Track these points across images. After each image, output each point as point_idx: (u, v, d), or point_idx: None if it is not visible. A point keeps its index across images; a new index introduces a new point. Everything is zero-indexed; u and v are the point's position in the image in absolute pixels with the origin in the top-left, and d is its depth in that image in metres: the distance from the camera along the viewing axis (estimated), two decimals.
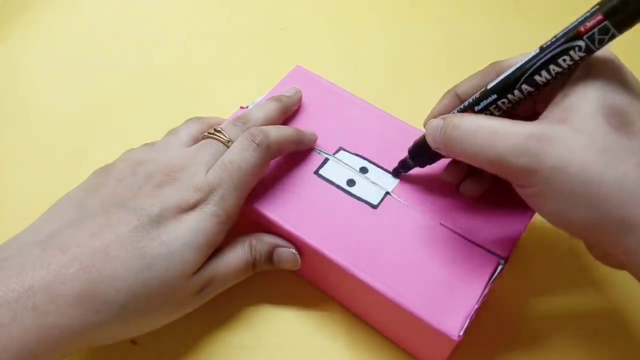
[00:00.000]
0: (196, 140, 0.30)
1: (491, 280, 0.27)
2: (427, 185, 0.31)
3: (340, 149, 0.33)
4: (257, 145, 0.28)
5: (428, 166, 0.30)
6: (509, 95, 0.25)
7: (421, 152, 0.29)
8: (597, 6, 0.22)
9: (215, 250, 0.28)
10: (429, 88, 0.43)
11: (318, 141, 0.33)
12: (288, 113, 0.34)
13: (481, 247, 0.28)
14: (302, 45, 0.47)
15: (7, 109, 0.42)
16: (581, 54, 0.23)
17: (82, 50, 0.46)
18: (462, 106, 0.27)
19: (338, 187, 0.31)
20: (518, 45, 0.46)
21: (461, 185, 0.30)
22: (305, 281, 0.33)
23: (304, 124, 0.34)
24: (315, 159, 0.32)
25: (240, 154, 0.28)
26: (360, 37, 0.48)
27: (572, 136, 0.21)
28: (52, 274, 0.23)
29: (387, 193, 0.30)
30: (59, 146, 0.40)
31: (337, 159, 0.32)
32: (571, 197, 0.21)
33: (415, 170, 0.31)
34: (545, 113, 0.24)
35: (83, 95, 0.43)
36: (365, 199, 0.30)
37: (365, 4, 0.50)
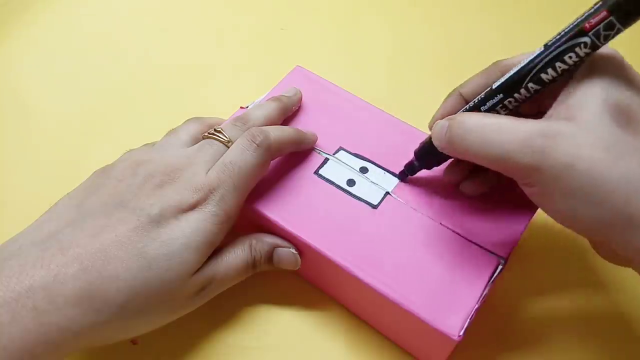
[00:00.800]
0: (196, 141, 0.30)
1: (491, 280, 0.27)
2: (427, 185, 0.31)
3: (340, 148, 0.33)
4: (258, 146, 0.28)
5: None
6: (516, 94, 0.25)
7: (427, 153, 0.29)
8: (601, 2, 0.22)
9: (215, 250, 0.28)
10: (429, 88, 0.43)
11: (318, 141, 0.33)
12: (288, 113, 0.34)
13: (481, 247, 0.28)
14: (302, 45, 0.47)
15: (7, 109, 0.42)
16: (587, 50, 0.23)
17: (82, 50, 0.46)
18: (467, 106, 0.27)
19: (338, 187, 0.31)
20: (519, 44, 0.46)
21: (462, 184, 0.30)
22: (305, 281, 0.33)
23: (304, 124, 0.34)
24: (315, 159, 0.32)
25: (241, 155, 0.28)
26: (360, 37, 0.48)
27: (579, 133, 0.21)
28: (51, 274, 0.23)
29: (387, 193, 0.30)
30: (59, 146, 0.40)
31: (337, 159, 0.32)
32: (578, 194, 0.21)
33: (419, 172, 0.31)
34: (550, 111, 0.24)
35: (83, 96, 0.43)
36: (365, 199, 0.30)
37: (365, 3, 0.50)
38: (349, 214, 0.30)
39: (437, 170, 0.30)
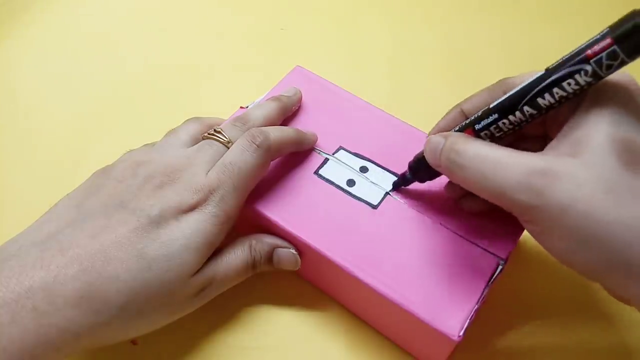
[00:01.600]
0: (196, 141, 0.30)
1: (491, 281, 0.27)
2: (427, 185, 0.31)
3: (340, 148, 0.33)
4: (258, 147, 0.28)
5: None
6: (510, 117, 0.24)
7: (421, 168, 0.28)
8: (608, 29, 0.20)
9: (215, 251, 0.28)
10: (428, 88, 0.43)
11: (318, 141, 0.33)
12: (288, 113, 0.34)
13: (481, 247, 0.28)
14: (302, 45, 0.47)
15: (6, 109, 0.42)
16: (588, 79, 0.21)
17: (82, 50, 0.46)
18: (462, 124, 0.26)
19: (338, 187, 0.31)
20: (519, 45, 0.46)
21: (462, 200, 0.29)
22: (305, 281, 0.33)
23: (304, 124, 0.34)
24: (315, 159, 0.32)
25: (241, 155, 0.28)
26: (360, 37, 0.47)
27: (580, 173, 0.20)
28: (51, 275, 0.23)
29: (387, 193, 0.30)
30: (59, 147, 0.40)
31: (337, 159, 0.32)
32: (576, 237, 0.21)
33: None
34: (553, 143, 0.23)
35: (82, 96, 0.43)
36: (365, 199, 0.30)
37: (365, 3, 0.50)
38: (349, 214, 0.30)
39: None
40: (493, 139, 0.25)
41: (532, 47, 0.45)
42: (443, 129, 0.28)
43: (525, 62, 0.44)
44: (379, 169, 0.32)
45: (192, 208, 0.26)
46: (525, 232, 0.29)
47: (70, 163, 0.39)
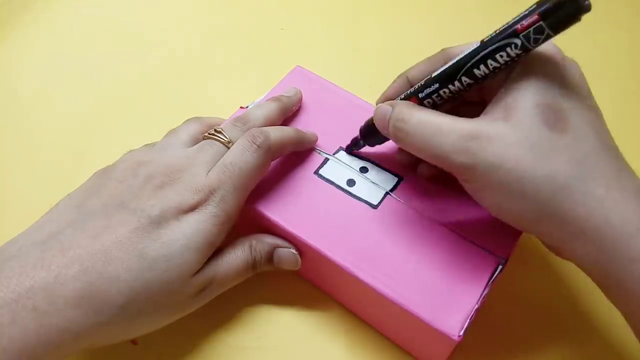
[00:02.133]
0: (196, 141, 0.30)
1: (491, 281, 0.27)
2: (427, 185, 0.31)
3: (340, 149, 0.33)
4: (258, 147, 0.28)
5: (429, 167, 0.30)
6: (450, 86, 0.26)
7: (371, 133, 0.30)
8: (535, 5, 0.22)
9: (216, 251, 0.28)
10: None
11: (318, 141, 0.33)
12: (288, 113, 0.34)
13: (481, 247, 0.28)
14: (302, 45, 0.47)
15: (6, 109, 0.42)
16: (517, 51, 0.23)
17: (82, 50, 0.46)
18: (407, 92, 0.28)
19: (338, 187, 0.31)
20: None
21: (419, 166, 0.31)
22: (305, 281, 0.33)
23: (304, 124, 0.34)
24: (315, 159, 0.32)
25: (241, 155, 0.28)
26: (360, 37, 0.48)
27: (509, 134, 0.23)
28: (52, 275, 0.23)
29: (387, 193, 0.31)
30: (59, 147, 0.40)
31: (337, 159, 0.32)
32: (507, 191, 0.23)
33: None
34: (488, 108, 0.25)
35: (82, 96, 0.43)
36: (365, 199, 0.30)
37: (365, 3, 0.50)
38: (349, 213, 0.30)
39: (437, 171, 0.30)
40: (435, 106, 0.27)
41: None
42: (390, 97, 0.30)
43: None
44: (379, 169, 0.32)
45: (192, 208, 0.26)
46: (526, 233, 0.29)
47: (71, 163, 0.39)
